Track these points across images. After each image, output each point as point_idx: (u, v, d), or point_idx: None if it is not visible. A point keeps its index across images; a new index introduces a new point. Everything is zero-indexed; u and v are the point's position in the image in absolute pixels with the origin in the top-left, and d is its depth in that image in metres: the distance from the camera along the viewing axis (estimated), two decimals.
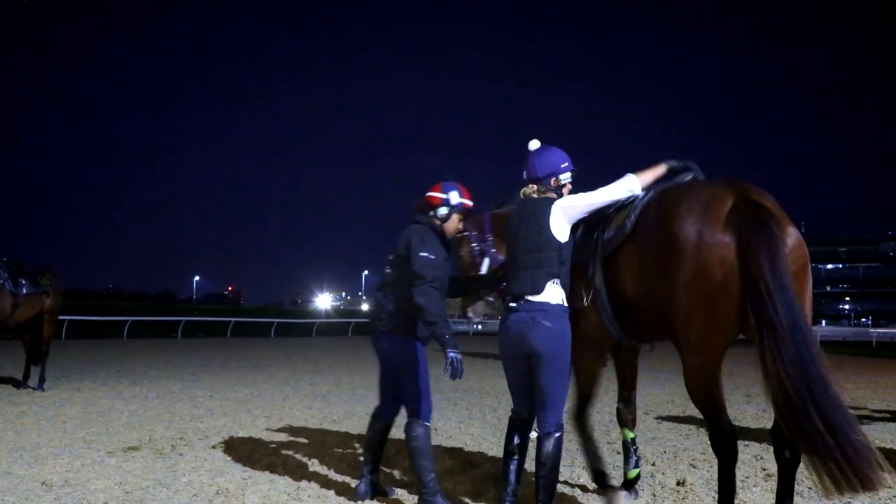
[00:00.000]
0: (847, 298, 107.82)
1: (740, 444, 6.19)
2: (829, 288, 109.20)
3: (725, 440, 3.25)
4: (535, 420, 3.69)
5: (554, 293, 3.55)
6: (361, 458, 4.28)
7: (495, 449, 5.84)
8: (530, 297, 3.54)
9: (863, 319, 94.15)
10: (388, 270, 4.05)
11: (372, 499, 4.18)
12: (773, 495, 4.43)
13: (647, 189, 3.63)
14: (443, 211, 4.06)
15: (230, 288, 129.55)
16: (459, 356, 3.68)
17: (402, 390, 4.02)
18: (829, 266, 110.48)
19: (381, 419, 4.25)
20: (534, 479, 3.65)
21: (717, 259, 3.05)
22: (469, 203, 4.15)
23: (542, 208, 3.64)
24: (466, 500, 4.26)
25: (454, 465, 5.17)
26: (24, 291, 9.01)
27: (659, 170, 3.72)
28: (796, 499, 4.36)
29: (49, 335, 9.74)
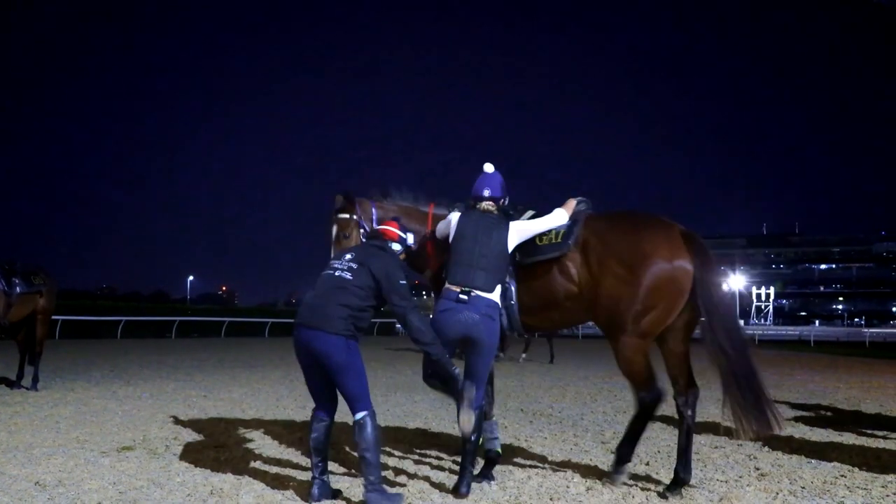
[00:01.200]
0: (840, 298, 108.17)
1: (734, 445, 6.23)
2: (822, 288, 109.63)
3: (653, 402, 4.48)
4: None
5: (497, 293, 4.39)
6: (311, 461, 4.27)
7: None
8: (481, 294, 4.29)
9: (856, 319, 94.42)
10: (350, 277, 4.13)
11: (327, 499, 4.16)
12: (767, 494, 4.47)
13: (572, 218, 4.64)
14: (397, 247, 4.47)
15: (224, 288, 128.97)
16: (458, 371, 4.23)
17: (348, 389, 4.05)
18: (823, 266, 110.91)
19: (323, 420, 4.25)
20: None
21: (685, 272, 4.32)
22: (413, 247, 4.79)
23: (503, 224, 4.51)
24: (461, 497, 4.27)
25: (450, 464, 5.17)
26: (18, 291, 8.98)
27: (572, 204, 4.71)
28: (790, 498, 4.40)
29: (42, 335, 9.70)
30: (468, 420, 4.21)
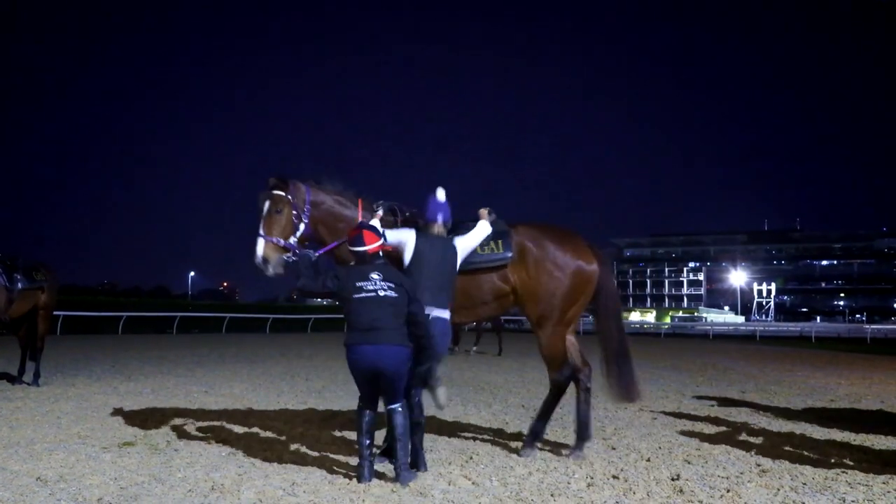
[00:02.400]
0: (842, 295, 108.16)
1: (735, 441, 6.24)
2: (823, 284, 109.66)
3: (566, 380, 5.48)
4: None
5: (448, 310, 5.02)
6: (360, 447, 4.57)
7: (491, 442, 5.87)
8: (437, 313, 4.89)
9: (857, 315, 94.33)
10: (396, 296, 4.56)
11: (374, 478, 4.55)
12: (768, 490, 4.47)
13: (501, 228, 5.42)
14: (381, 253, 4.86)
15: (225, 284, 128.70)
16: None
17: (396, 389, 4.58)
18: (824, 262, 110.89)
19: (371, 414, 4.67)
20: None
21: (595, 274, 5.46)
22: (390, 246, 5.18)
23: (453, 248, 5.10)
24: (465, 491, 4.28)
25: (451, 457, 5.18)
26: (19, 287, 8.97)
27: (485, 213, 5.41)
28: (791, 494, 4.40)
29: (44, 331, 9.71)
30: (445, 394, 5.04)
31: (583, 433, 5.44)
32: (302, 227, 5.19)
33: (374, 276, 4.61)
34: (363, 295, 4.56)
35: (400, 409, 4.56)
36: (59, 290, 10.67)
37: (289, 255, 5.09)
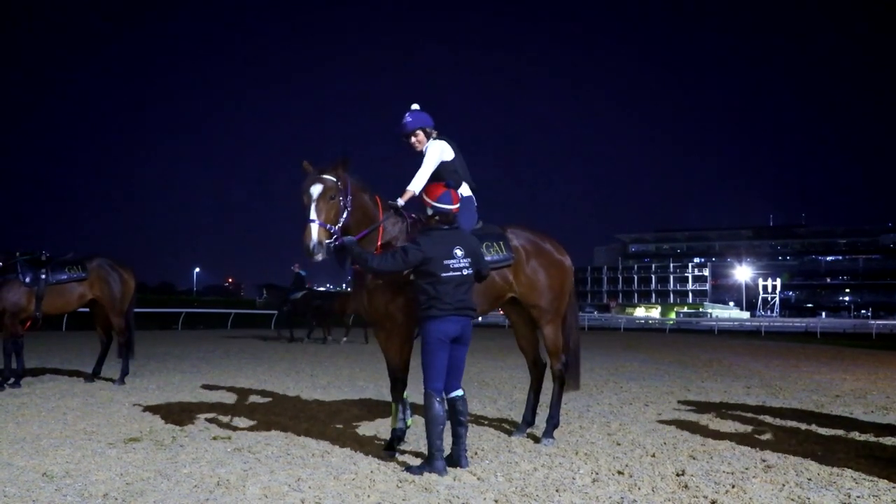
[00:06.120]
0: (847, 290, 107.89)
1: (740, 437, 6.23)
2: (828, 280, 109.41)
3: (564, 367, 6.05)
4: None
5: None
6: (437, 438, 4.65)
7: (496, 438, 5.88)
8: None
9: (862, 311, 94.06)
10: (471, 271, 4.88)
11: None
12: (773, 486, 4.47)
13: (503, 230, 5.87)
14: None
15: (230, 280, 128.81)
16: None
17: (462, 367, 4.91)
18: (829, 258, 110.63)
19: (443, 398, 4.75)
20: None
21: (572, 269, 6.20)
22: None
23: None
24: (470, 487, 4.29)
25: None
26: (43, 283, 8.90)
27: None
28: (796, 489, 4.39)
29: (118, 326, 9.62)
30: None
31: (555, 419, 5.96)
32: (345, 215, 5.11)
33: (458, 252, 4.83)
34: (451, 274, 4.76)
35: (464, 396, 4.88)
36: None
37: (331, 241, 4.99)
